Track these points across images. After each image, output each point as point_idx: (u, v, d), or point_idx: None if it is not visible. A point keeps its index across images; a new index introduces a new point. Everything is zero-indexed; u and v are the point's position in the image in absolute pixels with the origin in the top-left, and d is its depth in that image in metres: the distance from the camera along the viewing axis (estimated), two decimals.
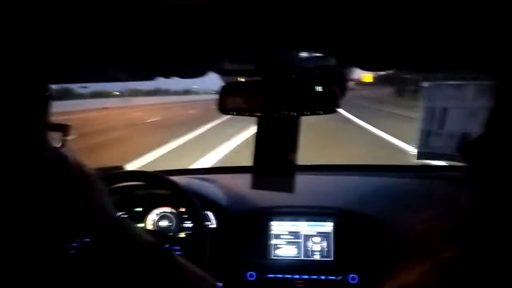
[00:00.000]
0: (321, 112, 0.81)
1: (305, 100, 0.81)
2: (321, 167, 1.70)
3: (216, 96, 0.84)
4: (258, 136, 0.88)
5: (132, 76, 0.78)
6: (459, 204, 0.42)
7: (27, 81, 0.69)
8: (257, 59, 0.76)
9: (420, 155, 1.49)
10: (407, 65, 0.70)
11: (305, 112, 0.83)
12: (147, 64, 0.66)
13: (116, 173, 1.09)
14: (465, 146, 0.39)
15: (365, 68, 0.71)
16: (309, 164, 1.64)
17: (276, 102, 0.82)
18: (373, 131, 9.94)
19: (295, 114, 0.83)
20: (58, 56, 0.66)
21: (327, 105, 0.81)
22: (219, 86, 0.84)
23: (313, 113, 0.82)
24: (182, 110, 22.55)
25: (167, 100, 41.27)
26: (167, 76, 0.71)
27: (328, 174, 1.59)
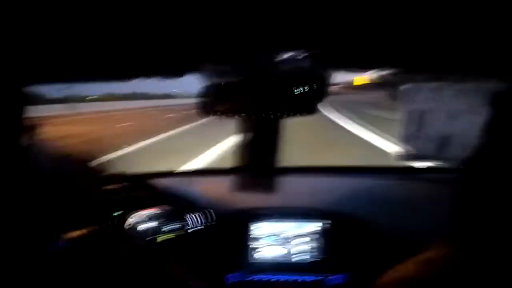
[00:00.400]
0: (300, 114, 0.81)
1: (284, 102, 0.81)
2: (303, 169, 1.71)
3: (197, 99, 0.84)
4: (240, 137, 0.88)
5: (112, 76, 0.77)
6: (441, 205, 0.42)
7: (6, 83, 0.68)
8: (238, 60, 0.76)
9: (401, 157, 1.52)
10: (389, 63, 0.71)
11: (284, 114, 0.83)
12: (127, 63, 0.65)
13: (102, 176, 1.06)
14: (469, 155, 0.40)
15: (346, 67, 0.72)
16: (292, 166, 1.64)
17: (257, 104, 0.83)
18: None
19: (274, 116, 0.83)
20: (35, 55, 0.65)
21: (305, 107, 0.81)
22: (199, 89, 0.84)
23: (292, 114, 0.82)
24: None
25: (144, 104, 40.52)
26: (147, 75, 0.70)
27: (311, 175, 1.60)
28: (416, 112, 1.28)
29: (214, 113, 0.84)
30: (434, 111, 1.25)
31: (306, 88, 0.81)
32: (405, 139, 1.30)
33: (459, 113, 1.27)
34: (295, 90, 0.80)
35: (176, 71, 0.73)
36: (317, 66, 0.77)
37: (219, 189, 1.32)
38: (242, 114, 0.85)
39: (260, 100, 0.82)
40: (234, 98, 0.83)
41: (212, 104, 0.84)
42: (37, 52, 0.61)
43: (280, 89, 0.81)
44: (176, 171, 1.59)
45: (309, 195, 1.31)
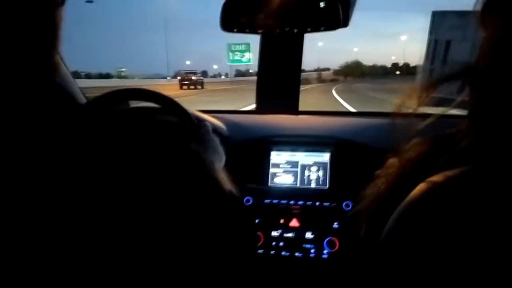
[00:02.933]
0: (323, 29, 0.81)
1: (308, 16, 0.81)
2: (320, 112, 1.72)
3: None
4: (262, 55, 0.89)
5: None
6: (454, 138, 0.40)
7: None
8: None
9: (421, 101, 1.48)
10: None
11: (307, 29, 0.83)
12: None
13: (123, 90, 1.08)
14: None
15: None
16: (308, 110, 1.66)
17: (279, 18, 0.82)
18: None
19: (297, 30, 0.83)
20: None
21: (329, 21, 0.81)
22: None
23: (315, 29, 0.82)
24: None
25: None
26: None
27: (329, 116, 1.61)
28: (442, 42, 1.24)
29: (239, 28, 0.84)
30: (460, 41, 1.21)
31: (331, 2, 0.80)
32: (427, 74, 1.28)
33: None
34: (320, 3, 0.79)
35: None
36: None
37: (241, 121, 1.35)
38: (265, 29, 0.85)
39: (283, 14, 0.82)
40: (256, 13, 0.83)
41: (237, 18, 0.84)
42: None
43: (305, 2, 0.81)
44: (205, 110, 1.62)
45: (327, 128, 1.33)
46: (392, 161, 0.44)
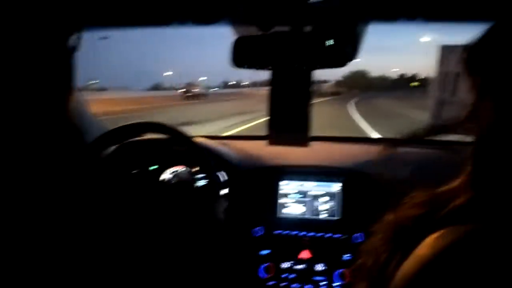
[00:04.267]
0: (331, 66, 0.83)
1: (315, 54, 0.83)
2: (332, 138, 1.72)
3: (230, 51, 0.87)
4: (272, 90, 0.90)
5: (149, 21, 0.81)
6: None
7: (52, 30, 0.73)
8: (270, 9, 0.78)
9: (432, 129, 1.48)
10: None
11: (315, 66, 0.85)
12: (164, 8, 0.68)
13: (135, 123, 1.12)
14: None
15: (377, 16, 0.72)
16: (321, 135, 1.66)
17: (288, 56, 0.85)
18: None
19: (304, 68, 0.85)
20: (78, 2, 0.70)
21: (337, 59, 0.83)
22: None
23: (323, 66, 0.84)
24: None
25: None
26: (182, 21, 0.74)
27: (339, 143, 1.62)
28: (451, 75, 1.24)
29: (249, 64, 0.87)
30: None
31: (338, 40, 0.82)
32: (437, 105, 1.27)
33: None
34: (326, 42, 0.81)
35: (208, 18, 0.76)
36: (350, 16, 0.78)
37: (250, 149, 1.37)
38: (274, 66, 0.87)
39: (291, 52, 0.84)
40: (265, 50, 0.86)
41: (247, 56, 0.86)
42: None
43: (312, 40, 0.83)
44: (215, 135, 1.64)
45: (337, 158, 1.33)
46: (389, 217, 0.44)
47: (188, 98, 27.63)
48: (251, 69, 0.88)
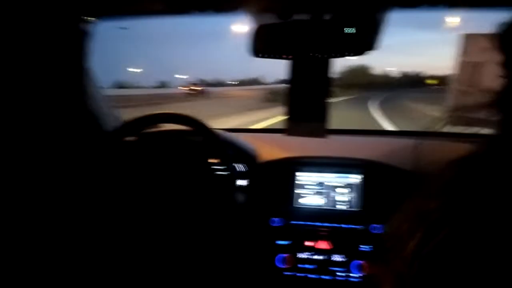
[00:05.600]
0: (351, 54, 0.83)
1: (335, 42, 0.83)
2: (351, 131, 1.71)
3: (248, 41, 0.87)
4: (291, 80, 0.91)
5: (168, 9, 0.82)
6: None
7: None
8: None
9: (452, 120, 1.45)
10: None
11: (334, 54, 0.85)
12: None
13: (155, 114, 1.13)
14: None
15: (399, 3, 0.71)
16: (338, 128, 1.65)
17: (307, 44, 0.85)
18: None
19: (325, 56, 0.85)
20: None
21: (356, 47, 0.82)
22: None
23: (342, 55, 0.84)
24: None
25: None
26: (202, 9, 0.74)
27: (358, 135, 1.61)
28: (470, 65, 1.21)
29: (269, 54, 0.87)
30: (490, 64, 1.18)
31: (358, 28, 0.81)
32: (456, 96, 1.25)
33: None
34: (346, 30, 0.81)
35: (227, 7, 0.76)
36: (371, 2, 0.77)
37: (269, 141, 1.37)
38: (293, 55, 0.87)
39: (310, 40, 0.84)
40: (284, 39, 0.86)
41: (267, 45, 0.87)
42: None
43: (331, 28, 0.83)
44: (234, 128, 1.65)
45: (356, 150, 1.32)
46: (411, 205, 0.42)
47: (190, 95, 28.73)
48: (270, 59, 0.88)
